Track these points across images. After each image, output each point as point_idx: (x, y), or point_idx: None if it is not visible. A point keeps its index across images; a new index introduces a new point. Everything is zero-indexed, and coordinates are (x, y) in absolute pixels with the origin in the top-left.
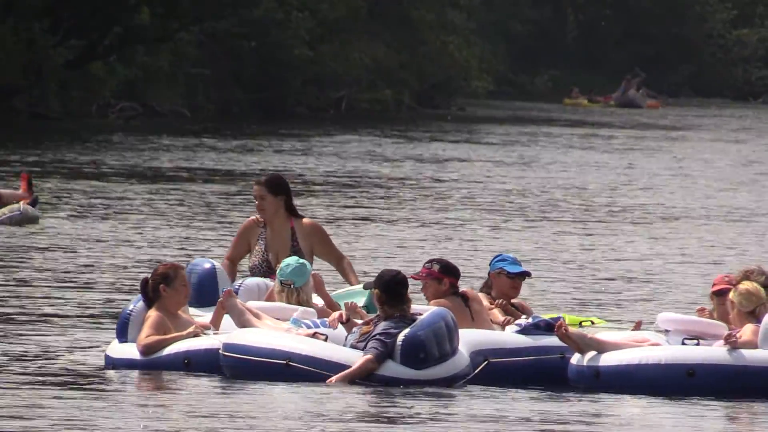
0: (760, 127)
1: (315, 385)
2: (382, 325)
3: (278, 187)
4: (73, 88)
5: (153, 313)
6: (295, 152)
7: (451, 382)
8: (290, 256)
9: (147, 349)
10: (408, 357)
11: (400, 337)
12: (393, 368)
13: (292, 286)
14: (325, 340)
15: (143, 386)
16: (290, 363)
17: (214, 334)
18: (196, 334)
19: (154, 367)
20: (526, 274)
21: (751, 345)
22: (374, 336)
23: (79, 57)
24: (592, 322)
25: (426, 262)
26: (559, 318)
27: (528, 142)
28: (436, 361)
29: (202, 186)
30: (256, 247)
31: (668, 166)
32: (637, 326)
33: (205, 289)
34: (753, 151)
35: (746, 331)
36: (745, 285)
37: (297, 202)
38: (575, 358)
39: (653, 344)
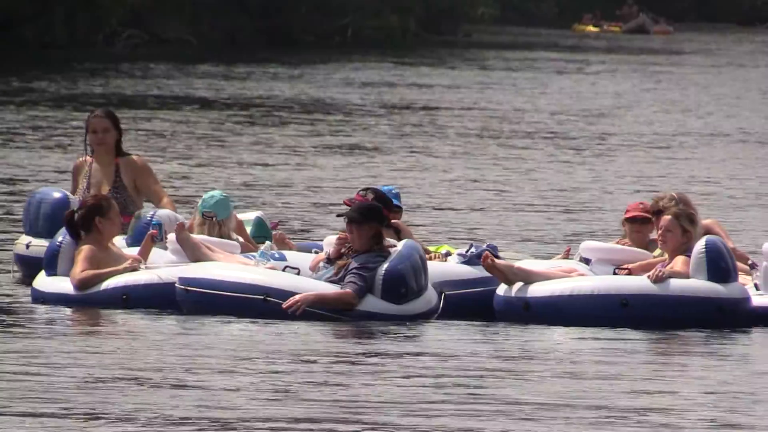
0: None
1: (274, 322)
2: (359, 259)
3: (118, 121)
4: (80, 17)
5: (85, 247)
6: (295, 79)
7: (427, 316)
8: (112, 190)
9: (83, 284)
10: (389, 291)
11: (381, 271)
12: (373, 303)
13: (214, 218)
14: (298, 274)
15: (90, 324)
16: (268, 298)
17: (146, 268)
18: (134, 269)
19: (89, 302)
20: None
21: (683, 276)
22: (352, 270)
23: None
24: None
25: (360, 190)
26: (486, 248)
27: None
28: (414, 295)
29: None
30: (80, 185)
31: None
32: (566, 254)
33: (59, 220)
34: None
35: (678, 262)
36: (695, 215)
37: (291, 130)
38: (502, 289)
39: (581, 275)
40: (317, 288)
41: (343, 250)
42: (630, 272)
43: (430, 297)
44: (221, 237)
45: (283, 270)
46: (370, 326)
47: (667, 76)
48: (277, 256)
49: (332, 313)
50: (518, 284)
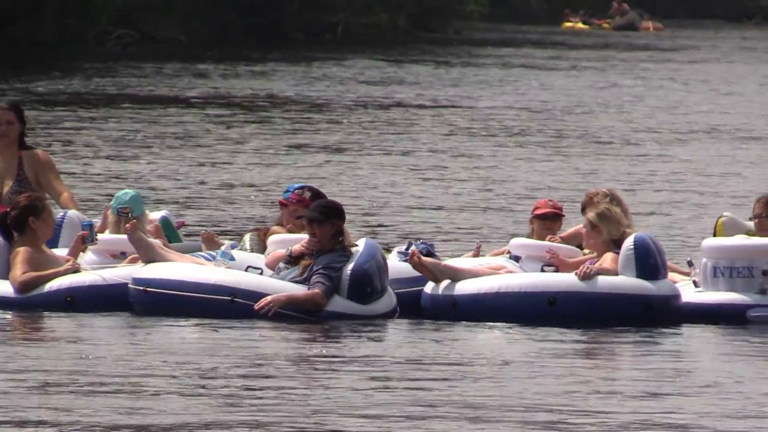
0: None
1: (233, 323)
2: (324, 259)
3: (23, 114)
4: (71, 16)
5: (22, 248)
6: (287, 76)
7: (390, 316)
8: (15, 184)
9: (24, 287)
10: (356, 291)
11: (347, 270)
12: (340, 303)
13: (129, 214)
14: (260, 274)
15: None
16: (236, 299)
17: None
18: (75, 270)
19: (31, 305)
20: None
21: (611, 272)
22: (318, 270)
23: None
24: None
25: (297, 188)
26: (428, 246)
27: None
28: (378, 294)
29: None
30: None
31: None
32: (477, 251)
33: None
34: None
35: (606, 259)
36: (607, 210)
37: (269, 128)
38: (429, 287)
39: (509, 272)
40: (285, 289)
41: (305, 250)
42: (558, 269)
43: (392, 296)
44: None
45: (246, 270)
46: (328, 327)
47: (654, 73)
48: (231, 256)
49: (302, 314)
50: (445, 282)
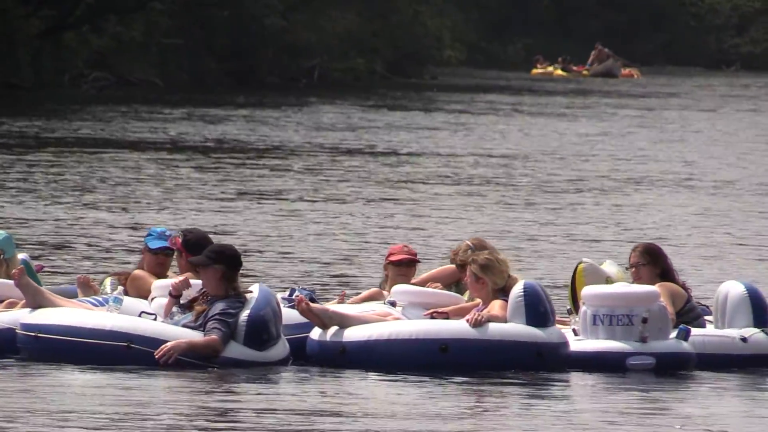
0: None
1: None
2: (219, 305)
3: None
4: (46, 59)
5: None
6: (264, 121)
7: (285, 362)
8: None
9: None
10: (252, 338)
11: (243, 317)
12: (237, 350)
13: (2, 256)
14: (155, 319)
15: None
16: (131, 345)
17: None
18: None
19: None
20: (167, 250)
21: (500, 319)
22: (213, 317)
23: (51, 27)
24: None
25: (182, 231)
26: (310, 293)
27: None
28: (274, 341)
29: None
30: None
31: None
32: (341, 298)
33: None
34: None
35: (495, 306)
36: (489, 261)
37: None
38: (316, 333)
39: (396, 318)
40: (181, 335)
41: (198, 295)
42: (448, 316)
43: (285, 343)
44: (8, 277)
45: (139, 316)
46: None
47: (630, 120)
48: (120, 299)
49: (199, 360)
50: (334, 328)
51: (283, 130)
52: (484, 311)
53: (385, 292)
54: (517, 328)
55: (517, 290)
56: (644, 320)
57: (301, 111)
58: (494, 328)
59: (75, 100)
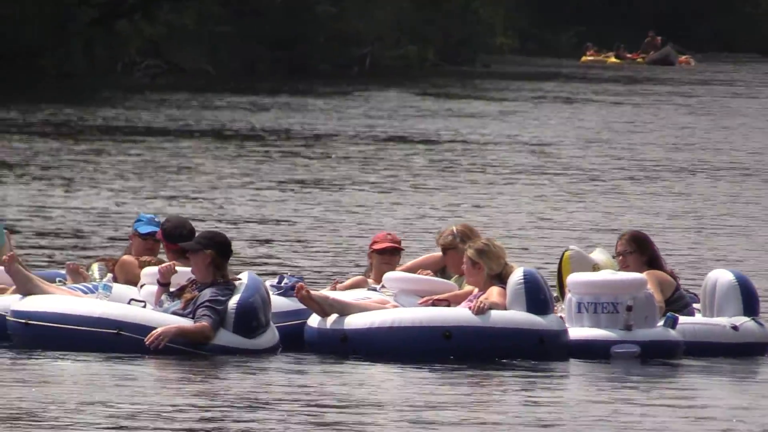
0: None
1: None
2: (208, 292)
3: None
4: (98, 47)
5: None
6: (313, 109)
7: (274, 350)
8: None
9: None
10: (241, 325)
11: (232, 304)
12: (226, 337)
13: None
14: (144, 307)
15: None
16: (121, 332)
17: None
18: None
19: None
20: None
21: (500, 307)
22: (203, 304)
23: (104, 15)
24: None
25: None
26: (299, 279)
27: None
28: (263, 328)
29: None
30: None
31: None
32: (333, 286)
33: None
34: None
35: (493, 293)
36: (486, 246)
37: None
38: (314, 321)
39: (395, 306)
40: (171, 322)
41: (186, 283)
42: (449, 304)
43: (275, 331)
44: None
45: (129, 303)
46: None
47: (684, 108)
48: (109, 287)
49: (189, 347)
50: (334, 316)
51: (332, 118)
52: (482, 298)
53: (369, 280)
54: (520, 316)
55: (516, 278)
56: (629, 308)
57: (351, 99)
58: (497, 315)
59: (127, 88)
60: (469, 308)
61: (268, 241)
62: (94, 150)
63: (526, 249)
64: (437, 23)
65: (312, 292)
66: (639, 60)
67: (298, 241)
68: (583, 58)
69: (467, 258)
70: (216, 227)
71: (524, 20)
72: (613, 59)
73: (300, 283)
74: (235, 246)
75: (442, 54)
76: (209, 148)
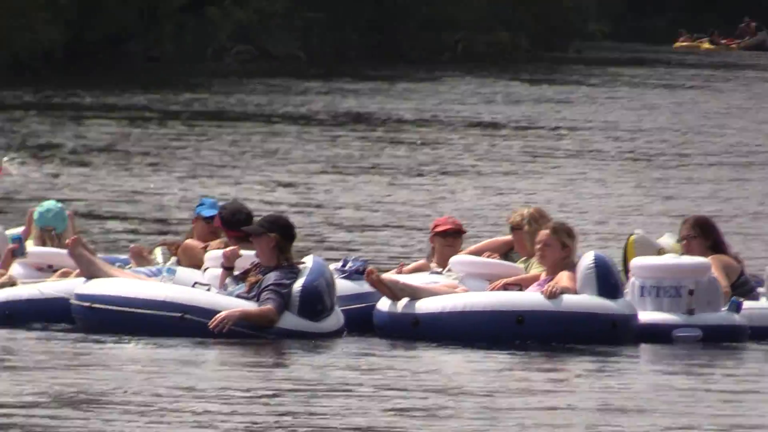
0: None
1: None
2: (272, 275)
3: None
4: (189, 32)
5: None
6: (403, 95)
7: (339, 334)
8: None
9: None
10: (306, 308)
11: (296, 287)
12: (291, 320)
13: (53, 232)
14: (208, 290)
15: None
16: (186, 316)
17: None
18: (12, 283)
19: None
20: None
21: (572, 291)
22: (268, 287)
23: (194, 1)
24: None
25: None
26: (364, 263)
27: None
28: (328, 312)
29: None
30: None
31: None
32: (400, 269)
33: None
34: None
35: (563, 278)
36: (570, 228)
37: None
38: (384, 305)
39: (465, 290)
40: (235, 305)
41: (251, 267)
42: (521, 288)
43: (339, 314)
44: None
45: (193, 286)
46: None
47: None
48: (173, 270)
49: (253, 330)
50: (405, 300)
51: (422, 104)
52: (553, 283)
53: (432, 264)
54: (592, 300)
55: (587, 262)
56: (691, 292)
57: (442, 84)
58: (569, 300)
59: (217, 74)
60: (541, 293)
61: (347, 226)
62: (179, 135)
63: (612, 234)
64: (530, 9)
65: (383, 276)
66: (733, 46)
67: (370, 226)
68: (677, 44)
69: (546, 238)
70: (292, 212)
71: (618, 6)
72: (707, 45)
73: (370, 267)
74: (314, 230)
75: (535, 40)
76: (296, 134)
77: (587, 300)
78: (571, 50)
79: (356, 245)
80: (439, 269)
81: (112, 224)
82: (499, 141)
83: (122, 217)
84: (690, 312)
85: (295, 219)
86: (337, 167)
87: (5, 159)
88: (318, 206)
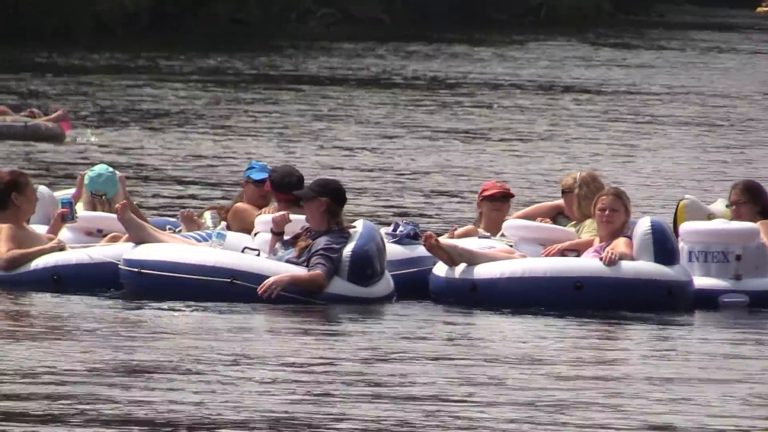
0: None
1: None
2: (322, 240)
3: None
4: None
5: (5, 225)
6: (483, 59)
7: (389, 299)
8: None
9: (11, 264)
10: (356, 273)
11: (347, 252)
12: (341, 285)
13: (104, 197)
14: (258, 255)
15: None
16: (235, 281)
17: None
18: (61, 248)
19: (17, 283)
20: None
21: (629, 257)
22: (318, 252)
23: None
24: None
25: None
26: (414, 227)
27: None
28: (378, 277)
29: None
30: None
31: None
32: (452, 233)
33: None
34: None
35: (620, 244)
36: (621, 191)
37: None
38: (441, 269)
39: (522, 256)
40: (284, 270)
41: (301, 231)
42: (579, 254)
43: (389, 279)
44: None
45: (243, 251)
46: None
47: None
48: (223, 235)
49: (303, 296)
50: (462, 265)
51: (504, 67)
52: (610, 249)
53: (480, 229)
54: (649, 267)
55: (644, 227)
56: (738, 257)
57: (525, 49)
58: (627, 266)
59: (300, 37)
60: (600, 259)
61: (420, 191)
62: (256, 99)
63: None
64: None
65: (441, 240)
66: None
67: (445, 192)
68: (759, 9)
69: (614, 200)
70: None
71: None
72: None
73: (428, 232)
74: (387, 194)
75: (618, 3)
76: (374, 97)
77: (644, 266)
78: (653, 13)
79: (432, 210)
80: (487, 234)
81: (168, 188)
82: (573, 104)
83: (176, 180)
84: (737, 277)
85: (370, 184)
86: (414, 131)
87: (89, 132)
88: (389, 170)
